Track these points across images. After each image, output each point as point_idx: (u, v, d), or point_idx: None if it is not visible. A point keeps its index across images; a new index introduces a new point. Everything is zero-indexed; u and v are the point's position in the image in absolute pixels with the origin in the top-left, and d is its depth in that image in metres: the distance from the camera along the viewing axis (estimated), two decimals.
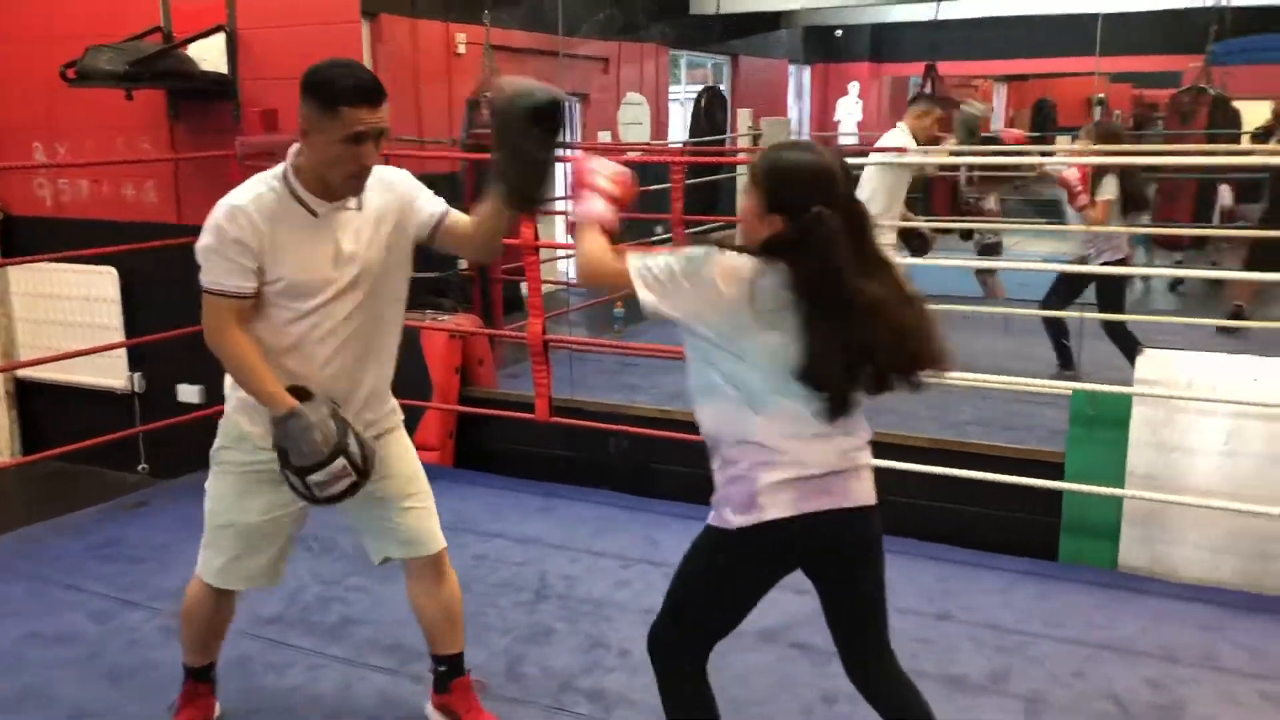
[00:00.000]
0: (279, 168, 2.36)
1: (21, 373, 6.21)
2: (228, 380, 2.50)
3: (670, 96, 10.42)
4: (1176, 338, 5.41)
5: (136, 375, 5.95)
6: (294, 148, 2.35)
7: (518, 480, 4.69)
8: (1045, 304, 5.48)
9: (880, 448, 4.04)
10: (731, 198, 8.78)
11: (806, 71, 14.32)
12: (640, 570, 3.78)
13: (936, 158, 5.64)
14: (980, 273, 6.47)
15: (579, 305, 6.62)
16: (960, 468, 3.89)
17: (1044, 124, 16.83)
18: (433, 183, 6.25)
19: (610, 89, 9.34)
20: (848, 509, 2.12)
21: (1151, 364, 3.83)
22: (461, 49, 7.56)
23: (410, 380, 4.89)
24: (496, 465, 4.88)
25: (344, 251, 2.38)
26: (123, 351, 5.88)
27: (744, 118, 9.02)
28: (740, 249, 2.03)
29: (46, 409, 6.33)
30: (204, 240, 2.32)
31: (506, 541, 4.05)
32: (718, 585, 2.21)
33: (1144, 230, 5.33)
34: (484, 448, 4.98)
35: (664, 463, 4.63)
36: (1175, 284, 7.94)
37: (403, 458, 2.67)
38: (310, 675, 3.12)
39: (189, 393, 5.80)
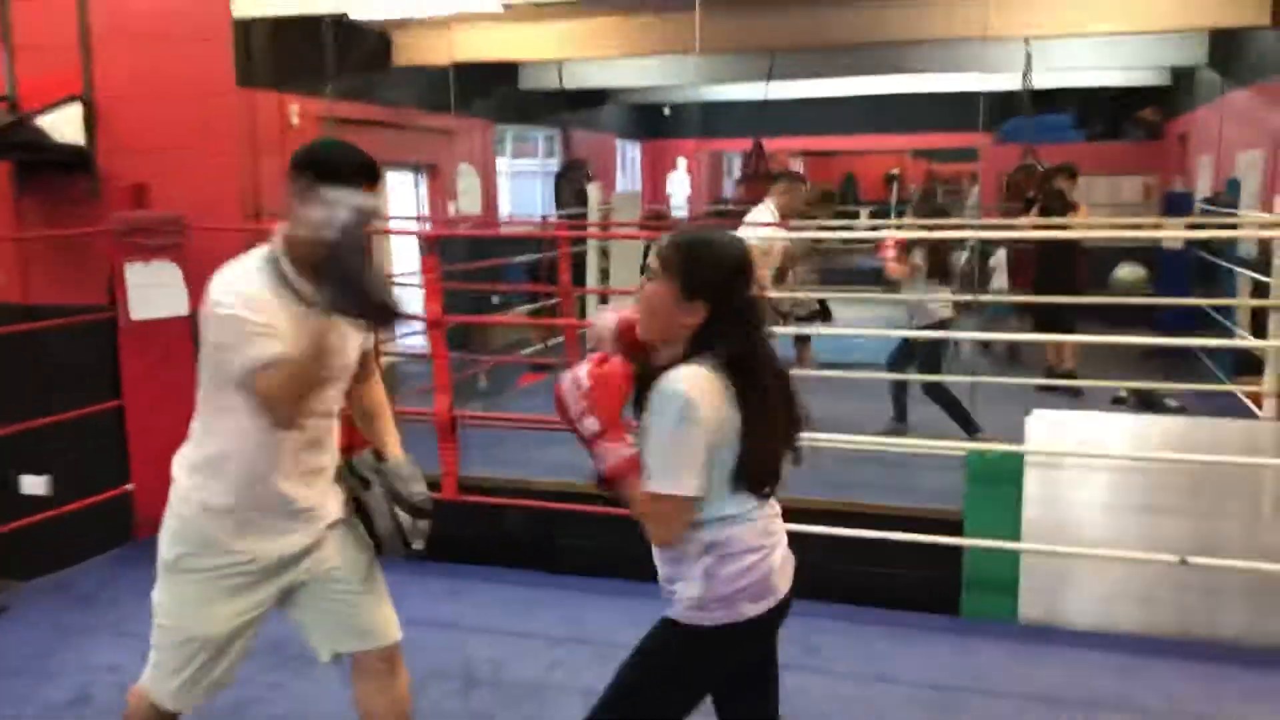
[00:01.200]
0: (264, 250, 2.21)
1: None
2: (180, 485, 2.32)
3: (497, 170, 10.46)
4: (1002, 395, 5.79)
5: None
6: (281, 228, 2.21)
7: (416, 564, 4.52)
8: (891, 365, 5.76)
9: (790, 514, 4.17)
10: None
11: (632, 146, 14.72)
12: (569, 649, 3.72)
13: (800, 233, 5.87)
14: (797, 342, 6.65)
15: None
16: (868, 528, 4.02)
17: (848, 198, 17.85)
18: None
19: (453, 160, 9.35)
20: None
21: (1041, 424, 4.07)
22: (295, 120, 7.41)
23: None
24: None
25: (333, 345, 2.18)
26: None
27: (594, 191, 9.13)
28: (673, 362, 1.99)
29: None
30: (226, 336, 2.12)
31: (420, 627, 3.86)
32: (682, 684, 2.12)
33: (951, 298, 5.69)
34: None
35: (569, 537, 4.58)
36: (985, 346, 8.41)
37: (359, 542, 2.54)
38: None
39: (33, 484, 5.38)
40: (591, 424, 1.96)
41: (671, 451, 1.94)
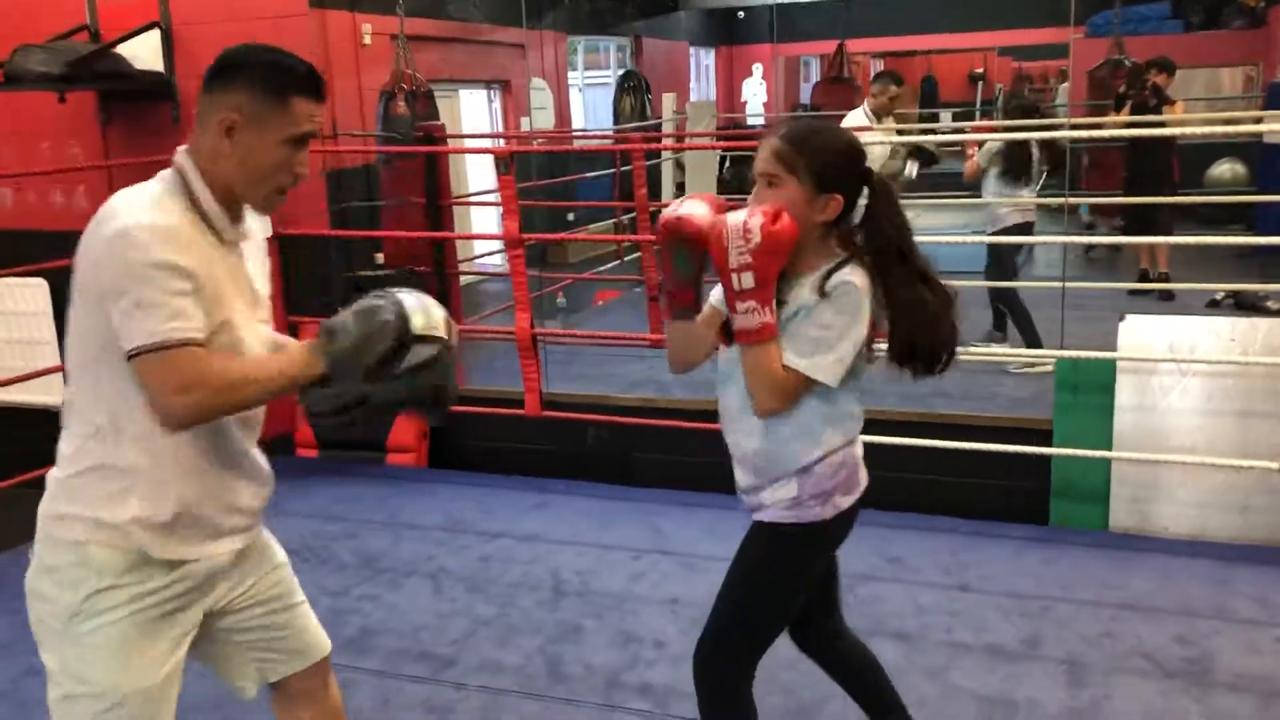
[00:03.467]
0: (168, 175, 1.76)
1: None
2: (75, 500, 1.75)
3: (569, 83, 10.36)
4: (1095, 301, 5.62)
5: None
6: (185, 149, 1.77)
7: (502, 477, 4.62)
8: (987, 273, 5.60)
9: (874, 425, 4.14)
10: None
11: (706, 53, 14.43)
12: (652, 560, 3.77)
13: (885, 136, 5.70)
14: None
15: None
16: (954, 440, 3.98)
17: (930, 100, 17.32)
18: (349, 177, 6.11)
19: (525, 75, 9.28)
20: None
21: (1134, 329, 3.96)
22: (368, 39, 7.40)
23: None
24: (476, 463, 4.80)
25: (257, 291, 1.88)
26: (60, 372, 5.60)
27: (668, 101, 9.02)
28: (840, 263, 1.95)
29: None
30: (124, 270, 1.62)
31: (510, 540, 3.99)
32: (793, 586, 2.12)
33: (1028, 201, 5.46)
34: (460, 447, 4.90)
35: (646, 451, 4.62)
36: (1088, 250, 8.20)
37: (277, 545, 2.07)
38: (344, 692, 3.02)
39: None
40: (748, 279, 1.89)
41: (833, 340, 1.92)
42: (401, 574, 3.74)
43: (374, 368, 1.69)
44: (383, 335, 1.69)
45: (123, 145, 5.36)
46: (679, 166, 8.73)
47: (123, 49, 5.11)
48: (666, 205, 7.61)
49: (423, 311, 1.74)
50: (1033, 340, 5.18)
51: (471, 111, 9.09)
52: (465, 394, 4.93)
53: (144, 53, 5.15)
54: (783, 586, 2.11)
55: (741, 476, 2.10)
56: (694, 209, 1.95)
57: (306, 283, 5.07)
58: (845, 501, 2.07)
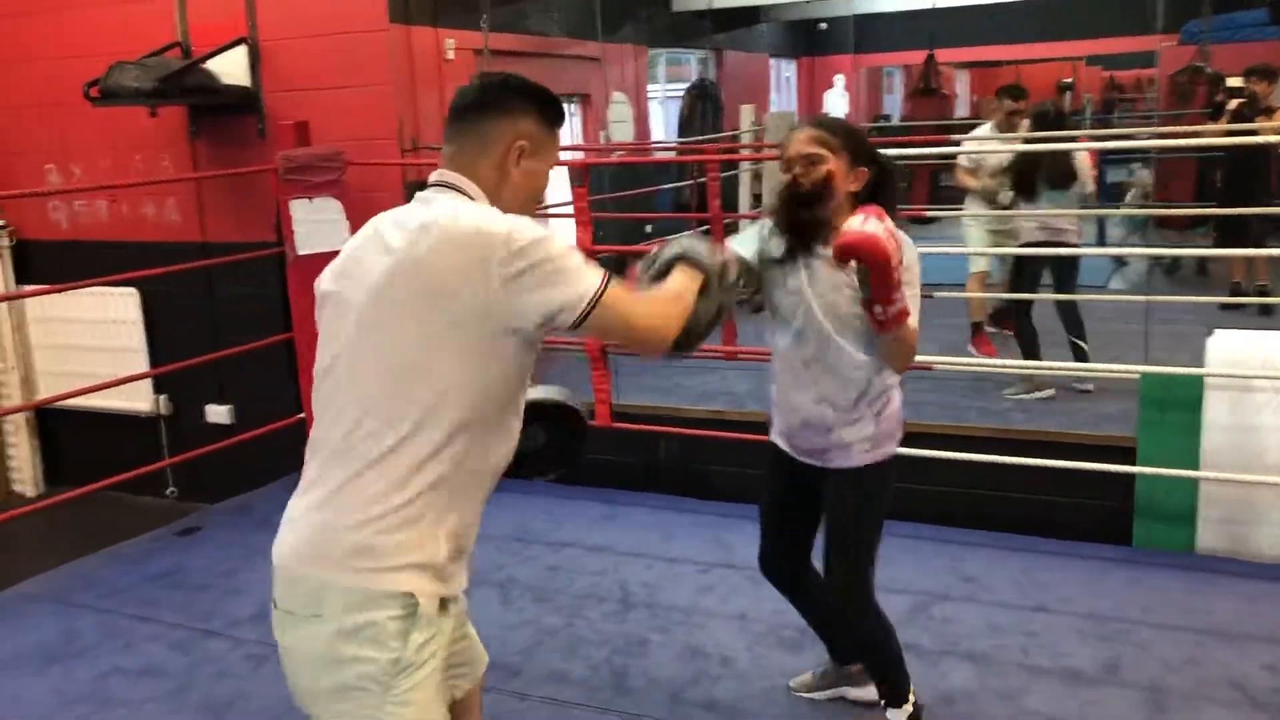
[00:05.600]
0: (461, 197, 1.76)
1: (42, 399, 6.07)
2: (376, 545, 1.65)
3: (649, 95, 10.38)
4: (1185, 315, 5.43)
5: (162, 398, 5.84)
6: (453, 174, 1.78)
7: (572, 488, 4.62)
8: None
9: (951, 440, 4.06)
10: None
11: (787, 65, 14.35)
12: (720, 574, 3.73)
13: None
14: None
15: None
16: (1031, 456, 3.88)
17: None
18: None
19: (603, 88, 9.32)
20: None
21: (1225, 344, 3.83)
22: (450, 54, 7.50)
23: None
24: None
25: None
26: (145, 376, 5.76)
27: (747, 113, 8.98)
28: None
29: (69, 435, 6.20)
30: (541, 242, 1.66)
31: (578, 551, 3.99)
32: (884, 510, 2.58)
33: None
34: None
35: (716, 464, 4.59)
36: (1172, 267, 7.87)
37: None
38: None
39: (218, 413, 5.70)
40: (900, 274, 2.24)
41: (916, 296, 2.35)
42: (471, 583, 3.74)
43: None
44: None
45: (210, 158, 5.50)
46: (756, 178, 8.68)
47: (211, 64, 5.25)
48: (745, 216, 7.66)
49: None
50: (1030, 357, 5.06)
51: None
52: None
53: (232, 68, 5.28)
54: (881, 513, 2.56)
55: (816, 434, 2.48)
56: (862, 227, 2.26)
57: None
58: (899, 437, 2.54)
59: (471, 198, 1.76)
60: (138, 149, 5.62)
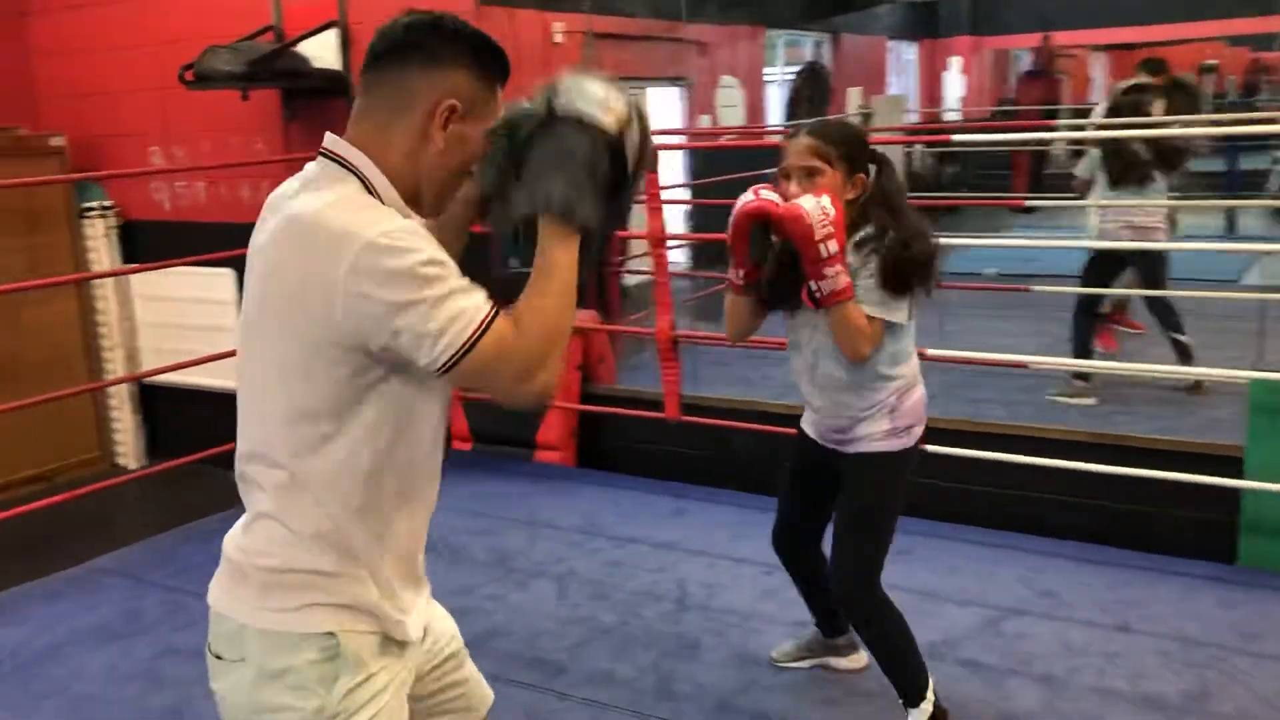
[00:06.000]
0: (340, 175, 1.46)
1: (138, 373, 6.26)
2: (261, 574, 1.48)
3: (767, 78, 10.21)
4: None
5: None
6: (347, 142, 1.48)
7: (644, 480, 4.53)
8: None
9: (1034, 442, 3.82)
10: None
11: (907, 47, 13.94)
12: (784, 578, 3.53)
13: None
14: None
15: (690, 298, 6.44)
16: (1129, 465, 3.62)
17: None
18: None
19: (708, 71, 9.18)
20: None
21: None
22: (559, 38, 7.46)
23: None
24: (620, 464, 4.73)
25: None
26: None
27: (854, 96, 8.72)
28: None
29: (168, 410, 6.37)
30: (414, 285, 1.36)
31: (642, 547, 3.89)
32: (899, 501, 2.59)
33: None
34: (606, 447, 4.84)
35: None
36: None
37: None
38: None
39: None
40: (832, 246, 2.28)
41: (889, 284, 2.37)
42: (530, 575, 3.70)
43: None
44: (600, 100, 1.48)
45: (302, 141, 5.55)
46: None
47: (304, 48, 5.29)
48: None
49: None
50: (1080, 356, 4.79)
51: (664, 109, 9.07)
52: (613, 394, 4.88)
53: (323, 52, 5.32)
54: (895, 504, 2.57)
55: (834, 419, 2.53)
56: (769, 196, 2.37)
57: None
58: (919, 431, 2.54)
59: (360, 175, 1.45)
60: (234, 132, 5.72)
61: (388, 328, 1.36)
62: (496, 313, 1.41)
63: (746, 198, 2.41)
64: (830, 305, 2.35)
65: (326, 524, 1.46)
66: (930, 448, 3.87)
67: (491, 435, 4.94)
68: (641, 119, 1.52)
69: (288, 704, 1.45)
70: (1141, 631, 3.14)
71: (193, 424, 6.14)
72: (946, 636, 3.12)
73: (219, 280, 5.85)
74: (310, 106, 5.51)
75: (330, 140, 1.49)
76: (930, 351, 4.19)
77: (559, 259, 1.47)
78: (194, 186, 5.99)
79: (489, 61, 1.50)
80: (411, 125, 1.46)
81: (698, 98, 9.04)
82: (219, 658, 1.51)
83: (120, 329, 6.22)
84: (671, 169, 8.48)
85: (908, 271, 2.37)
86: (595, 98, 1.48)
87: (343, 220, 1.37)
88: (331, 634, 1.47)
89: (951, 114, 13.39)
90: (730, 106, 9.11)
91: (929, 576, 3.53)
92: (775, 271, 2.48)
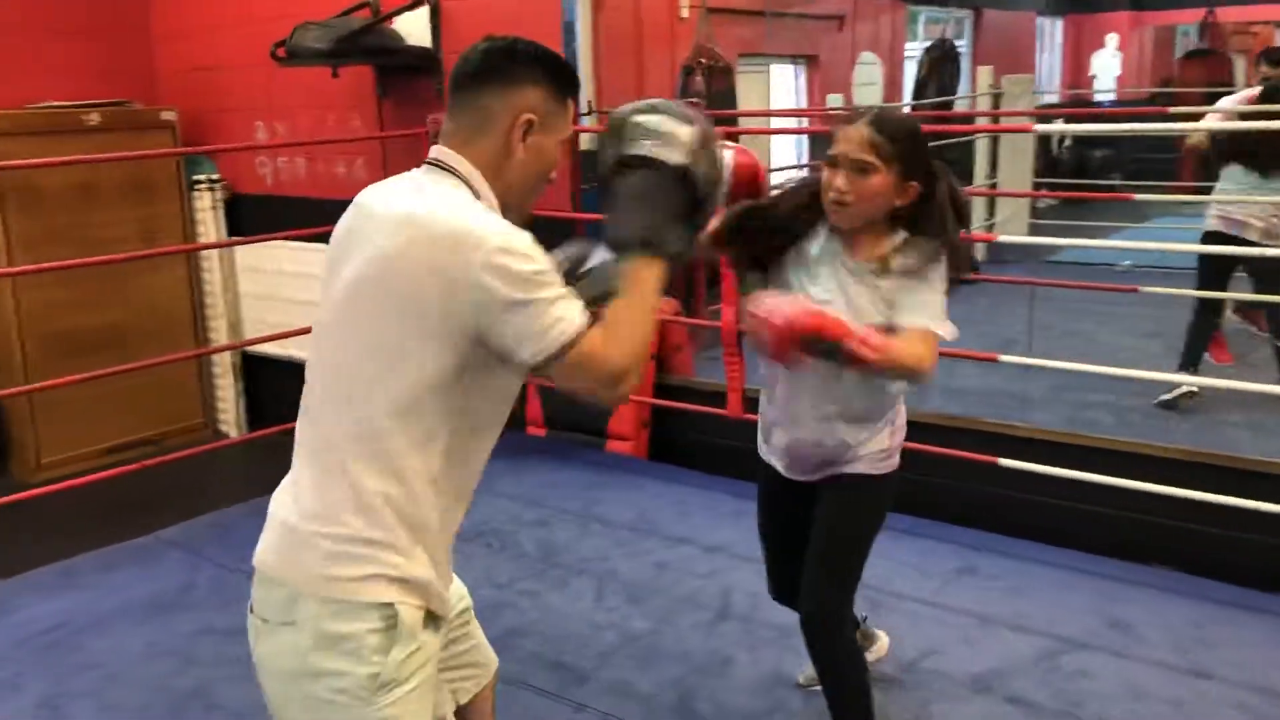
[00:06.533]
0: (452, 181, 1.61)
1: (247, 347, 6.40)
2: (355, 543, 1.56)
3: (906, 55, 9.87)
4: None
5: None
6: (452, 152, 1.63)
7: (711, 477, 4.37)
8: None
9: (1123, 459, 3.52)
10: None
11: (1056, 24, 13.24)
12: None
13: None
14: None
15: None
16: (1229, 491, 3.28)
17: None
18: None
19: (843, 49, 8.88)
20: None
21: None
22: (685, 13, 7.30)
23: None
24: (690, 459, 4.58)
25: None
26: None
27: (984, 76, 8.28)
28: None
29: (268, 381, 6.51)
30: (534, 267, 1.51)
31: (693, 549, 3.74)
32: (879, 527, 2.40)
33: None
34: (678, 439, 4.70)
35: None
36: None
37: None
38: None
39: None
40: (840, 332, 1.95)
41: (943, 301, 2.15)
42: (572, 572, 3.60)
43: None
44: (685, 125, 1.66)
45: (395, 118, 5.55)
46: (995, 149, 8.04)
47: (398, 25, 5.27)
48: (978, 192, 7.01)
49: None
50: (1187, 362, 4.46)
51: (781, 87, 8.83)
52: (686, 385, 4.72)
53: (416, 28, 5.29)
54: (877, 529, 2.39)
55: (820, 447, 2.30)
56: (788, 307, 1.96)
57: None
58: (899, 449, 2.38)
59: (469, 183, 1.62)
60: (330, 108, 5.76)
61: (501, 321, 1.49)
62: (592, 323, 1.55)
63: (777, 319, 1.95)
64: (884, 361, 2.00)
65: (402, 499, 1.56)
66: (1005, 462, 3.64)
67: (564, 422, 4.86)
68: (708, 145, 1.67)
69: (342, 669, 1.53)
70: (1220, 678, 2.84)
71: (288, 395, 6.29)
72: (997, 667, 2.89)
73: (317, 256, 5.92)
74: (402, 84, 5.50)
75: (437, 151, 1.65)
76: (1025, 360, 3.93)
77: (646, 281, 1.60)
78: (294, 162, 6.06)
79: (560, 79, 1.67)
80: (496, 140, 1.63)
81: (830, 75, 8.77)
82: (265, 620, 1.59)
83: (224, 300, 6.37)
84: (786, 150, 8.25)
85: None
86: (660, 133, 1.64)
87: (468, 222, 1.52)
88: (391, 604, 1.55)
89: (1105, 95, 12.67)
90: (869, 85, 8.82)
91: (988, 597, 3.30)
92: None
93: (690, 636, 3.15)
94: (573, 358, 1.50)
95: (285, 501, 1.64)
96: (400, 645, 1.55)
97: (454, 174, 1.61)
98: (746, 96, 7.43)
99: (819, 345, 1.93)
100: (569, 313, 1.51)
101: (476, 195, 1.60)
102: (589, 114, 5.38)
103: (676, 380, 4.73)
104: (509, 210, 1.63)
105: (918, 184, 2.13)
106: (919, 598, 3.32)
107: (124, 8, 6.28)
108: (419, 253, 1.51)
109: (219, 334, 6.39)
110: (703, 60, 6.93)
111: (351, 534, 1.55)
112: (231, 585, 3.53)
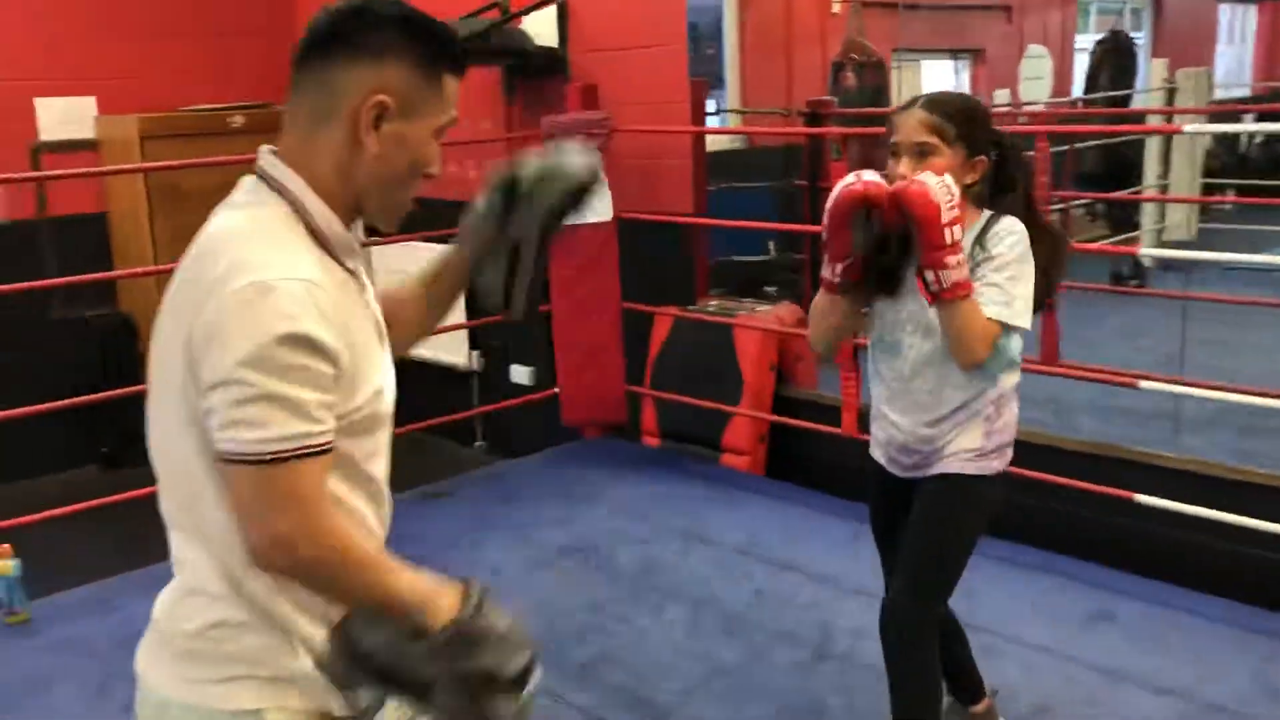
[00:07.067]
0: (265, 197, 1.30)
1: None
2: (180, 641, 1.32)
3: (1077, 47, 9.34)
4: None
5: (475, 354, 6.00)
6: (272, 152, 1.32)
7: (827, 498, 4.13)
8: None
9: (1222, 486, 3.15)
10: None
11: (1250, 11, 12.30)
12: None
13: None
14: None
15: None
16: None
17: None
18: (765, 158, 5.79)
19: (1011, 41, 8.46)
20: None
21: None
22: (836, 7, 7.06)
23: (719, 378, 4.49)
24: (808, 476, 4.35)
25: (382, 327, 1.42)
26: (464, 331, 5.95)
27: (1157, 69, 7.72)
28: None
29: (408, 382, 6.56)
30: (254, 358, 1.17)
31: (798, 577, 3.53)
32: (978, 535, 2.29)
33: None
34: (795, 455, 4.47)
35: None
36: None
37: None
38: None
39: (520, 374, 5.75)
40: (958, 231, 2.01)
41: (1019, 284, 2.09)
42: (668, 596, 3.44)
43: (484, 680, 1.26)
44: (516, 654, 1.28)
45: (524, 120, 5.48)
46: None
47: (527, 25, 5.21)
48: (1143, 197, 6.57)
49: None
50: None
51: (937, 83, 8.46)
52: (805, 399, 4.49)
53: (545, 28, 5.22)
54: (972, 535, 2.28)
55: (915, 438, 2.22)
56: (873, 178, 2.07)
57: (658, 269, 4.86)
58: (1009, 454, 2.26)
59: (292, 199, 1.28)
60: (462, 111, 5.73)
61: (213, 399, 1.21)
62: (321, 452, 1.21)
63: (848, 180, 2.10)
64: (950, 300, 2.04)
65: (246, 583, 1.28)
66: (1141, 498, 3.30)
67: (679, 433, 4.70)
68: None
69: None
70: None
71: (424, 395, 6.35)
72: None
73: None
74: (530, 85, 5.43)
75: (262, 155, 1.32)
76: (1163, 387, 3.56)
77: (412, 586, 1.29)
78: None
79: (430, 48, 1.30)
80: (337, 131, 1.28)
81: (996, 70, 8.38)
82: None
83: None
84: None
85: (1053, 274, 2.18)
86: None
87: (234, 253, 1.23)
88: (257, 712, 1.30)
89: None
90: (1037, 79, 8.36)
91: (1122, 649, 2.98)
92: (877, 262, 2.20)
93: (782, 675, 2.95)
94: (264, 478, 1.19)
95: (162, 592, 1.39)
96: (268, 697, 1.30)
97: (271, 186, 1.29)
98: (903, 94, 7.13)
99: (859, 220, 2.07)
100: (297, 428, 1.19)
101: (293, 202, 1.28)
102: (716, 114, 5.20)
103: (798, 393, 4.50)
104: (371, 217, 1.35)
105: (985, 158, 2.13)
106: (1040, 644, 3.03)
107: (276, 9, 6.41)
108: (186, 288, 1.26)
109: None
110: (854, 56, 6.68)
111: (200, 623, 1.30)
112: None
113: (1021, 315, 2.10)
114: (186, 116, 5.80)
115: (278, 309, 1.17)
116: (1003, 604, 3.23)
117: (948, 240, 2.00)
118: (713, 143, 5.44)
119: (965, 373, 2.13)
